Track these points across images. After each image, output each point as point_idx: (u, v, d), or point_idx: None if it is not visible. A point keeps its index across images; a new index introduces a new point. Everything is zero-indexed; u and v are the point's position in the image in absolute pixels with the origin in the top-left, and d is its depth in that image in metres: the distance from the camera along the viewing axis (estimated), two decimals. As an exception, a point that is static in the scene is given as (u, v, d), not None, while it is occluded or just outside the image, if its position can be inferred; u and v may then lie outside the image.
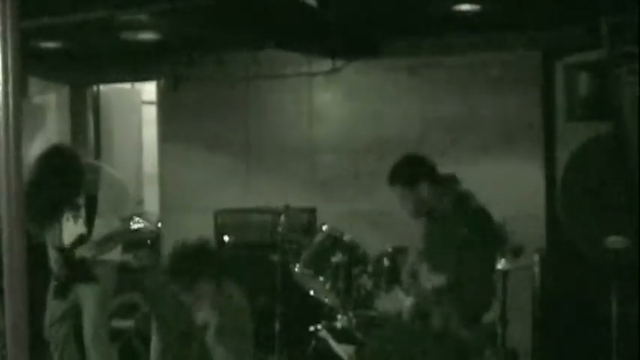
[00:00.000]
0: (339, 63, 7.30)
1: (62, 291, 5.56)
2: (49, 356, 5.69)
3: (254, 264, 6.30)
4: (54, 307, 5.60)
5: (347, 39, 6.94)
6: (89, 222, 5.43)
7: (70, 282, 5.54)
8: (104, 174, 5.55)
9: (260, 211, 6.62)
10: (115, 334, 5.98)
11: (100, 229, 5.44)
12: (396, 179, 4.66)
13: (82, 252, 5.46)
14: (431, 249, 4.68)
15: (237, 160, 7.71)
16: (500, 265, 5.43)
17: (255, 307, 6.33)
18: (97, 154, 8.66)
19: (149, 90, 8.81)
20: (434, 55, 7.05)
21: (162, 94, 8.32)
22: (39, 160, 5.26)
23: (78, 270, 5.49)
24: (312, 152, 7.55)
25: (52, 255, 5.58)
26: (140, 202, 8.86)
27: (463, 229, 4.41)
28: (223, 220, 7.00)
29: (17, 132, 3.29)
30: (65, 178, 5.29)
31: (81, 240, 5.46)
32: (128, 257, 6.82)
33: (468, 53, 6.91)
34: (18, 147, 3.28)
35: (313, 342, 5.43)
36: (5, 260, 3.32)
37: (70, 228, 5.51)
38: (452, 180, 4.69)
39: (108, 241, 5.48)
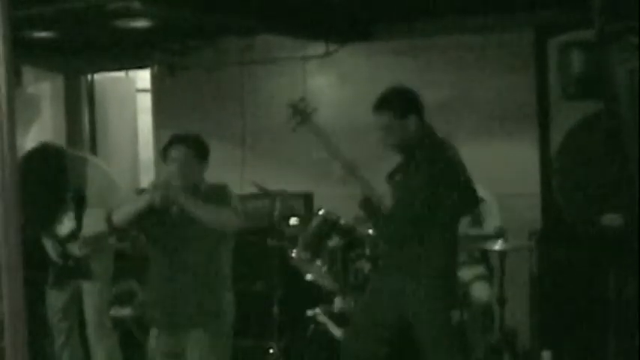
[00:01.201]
0: (332, 46, 7.28)
1: (60, 282, 5.56)
2: (53, 346, 5.71)
3: (251, 249, 6.30)
4: (53, 298, 5.60)
5: (340, 22, 6.93)
6: (78, 216, 5.43)
7: (67, 277, 5.54)
8: (91, 166, 5.56)
9: (256, 196, 6.61)
10: (115, 323, 5.99)
11: (92, 221, 5.43)
12: (385, 106, 4.38)
13: (74, 249, 5.46)
14: (401, 188, 4.44)
15: (233, 145, 7.71)
16: (498, 245, 5.46)
17: (253, 292, 6.36)
18: (93, 142, 8.65)
19: (143, 78, 8.79)
20: (427, 37, 7.04)
21: (156, 81, 8.31)
22: (22, 161, 5.27)
23: (75, 266, 5.49)
24: (307, 136, 7.52)
25: (48, 245, 5.57)
26: (137, 190, 8.86)
27: (433, 173, 4.23)
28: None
29: (11, 122, 3.28)
30: (49, 178, 5.34)
31: (73, 235, 5.46)
32: (124, 245, 6.83)
33: (461, 34, 6.90)
34: (12, 137, 3.28)
35: (312, 326, 5.45)
36: (2, 253, 3.32)
37: (64, 222, 5.52)
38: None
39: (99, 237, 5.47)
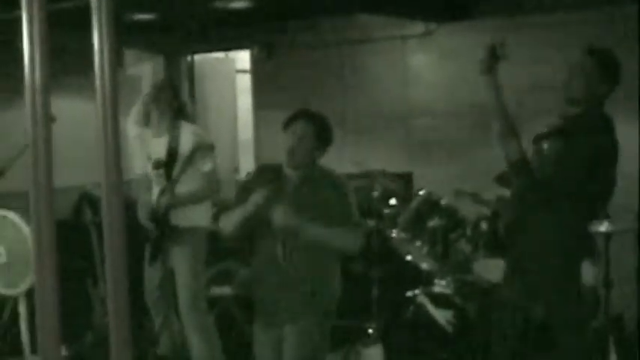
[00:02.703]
0: (432, 25, 7.19)
1: (155, 257, 5.61)
2: (151, 323, 5.79)
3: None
4: (150, 275, 5.67)
5: (439, 1, 6.83)
6: (168, 176, 5.47)
7: (161, 243, 5.56)
8: (186, 130, 5.59)
9: (356, 176, 6.59)
10: (214, 302, 6.03)
11: (185, 186, 5.49)
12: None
13: (162, 200, 5.47)
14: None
15: (333, 125, 7.68)
16: (603, 227, 5.30)
17: (352, 273, 6.34)
18: (192, 123, 8.73)
19: (243, 58, 8.85)
20: (527, 15, 6.89)
21: (256, 62, 8.34)
22: None
23: (167, 230, 5.53)
24: (407, 116, 7.48)
25: (141, 215, 5.60)
26: (236, 170, 8.94)
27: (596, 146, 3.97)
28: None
29: (114, 103, 3.34)
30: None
31: (162, 193, 5.50)
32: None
33: (561, 11, 6.73)
34: (115, 117, 3.34)
35: (411, 307, 5.41)
36: (105, 228, 3.38)
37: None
38: None
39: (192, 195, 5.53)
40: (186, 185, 5.49)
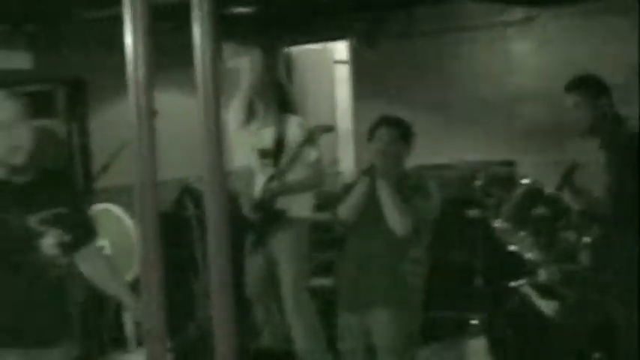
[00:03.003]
0: (533, 11, 7.04)
1: (257, 246, 5.62)
2: (252, 315, 5.81)
3: (452, 220, 6.21)
4: (252, 266, 5.69)
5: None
6: (275, 166, 5.50)
7: (263, 232, 5.58)
8: (292, 122, 5.60)
9: (457, 166, 6.51)
10: (315, 293, 6.04)
11: (291, 176, 5.51)
12: (578, 85, 4.50)
13: (271, 187, 5.51)
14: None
15: (433, 114, 7.61)
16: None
17: (454, 264, 6.27)
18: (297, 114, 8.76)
19: (341, 49, 8.82)
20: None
21: (354, 52, 8.31)
22: None
23: (271, 219, 5.54)
24: (509, 104, 7.35)
25: (245, 204, 5.64)
26: (335, 161, 8.93)
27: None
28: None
29: (215, 96, 3.36)
30: None
31: (270, 180, 5.52)
32: (322, 215, 6.89)
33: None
34: (217, 111, 3.35)
35: (515, 298, 5.32)
36: (208, 220, 3.39)
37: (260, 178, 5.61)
38: None
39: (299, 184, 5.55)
40: (292, 175, 5.51)
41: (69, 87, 6.78)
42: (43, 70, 6.95)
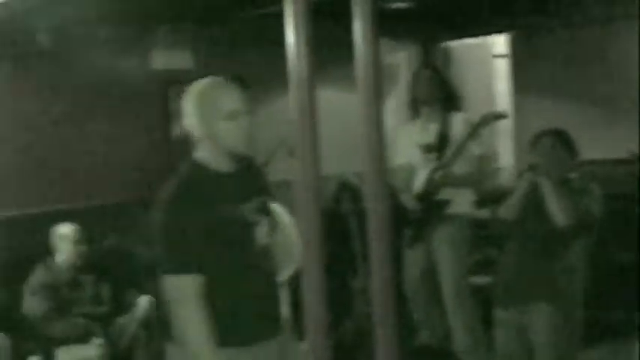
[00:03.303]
0: None
1: (417, 239, 5.58)
2: (409, 314, 5.77)
3: (619, 216, 5.99)
4: (410, 263, 5.65)
5: None
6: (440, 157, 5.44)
7: (424, 226, 5.53)
8: (457, 118, 5.54)
9: (625, 161, 6.27)
10: (474, 291, 5.94)
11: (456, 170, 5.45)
12: None
13: (436, 178, 5.46)
14: None
15: (597, 107, 7.36)
16: None
17: (622, 261, 6.04)
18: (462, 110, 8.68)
19: (499, 43, 8.68)
20: None
21: (514, 46, 8.15)
22: None
23: (433, 207, 5.49)
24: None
25: (405, 198, 5.60)
26: (494, 156, 8.79)
27: None
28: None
29: (376, 92, 3.35)
30: None
31: (435, 172, 5.48)
32: (483, 212, 6.78)
33: None
34: (377, 106, 3.34)
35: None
36: (370, 215, 3.37)
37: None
38: None
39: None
40: (456, 169, 5.45)
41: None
42: (203, 69, 7.11)
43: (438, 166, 5.45)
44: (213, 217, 3.02)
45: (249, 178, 3.25)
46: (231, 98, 3.12)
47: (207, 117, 3.09)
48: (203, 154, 3.15)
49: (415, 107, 5.66)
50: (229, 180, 3.15)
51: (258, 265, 3.17)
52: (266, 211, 3.22)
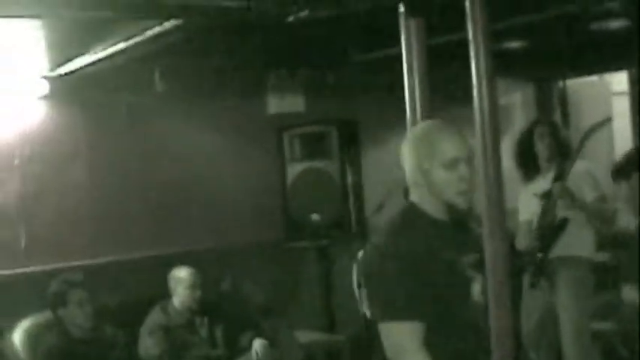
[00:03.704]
0: None
1: (536, 282, 5.44)
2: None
3: None
4: (529, 307, 5.51)
5: None
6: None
7: (543, 267, 5.39)
8: (576, 167, 5.42)
9: None
10: (595, 337, 5.75)
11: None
12: None
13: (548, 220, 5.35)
14: None
15: None
16: None
17: None
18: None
19: (620, 81, 8.47)
20: None
21: (634, 83, 7.94)
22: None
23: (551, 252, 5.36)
24: None
25: (522, 240, 5.50)
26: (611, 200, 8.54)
27: None
28: None
29: (495, 133, 3.29)
30: None
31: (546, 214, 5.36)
32: (604, 256, 6.59)
33: None
34: (496, 148, 3.28)
35: None
36: (488, 258, 3.30)
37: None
38: None
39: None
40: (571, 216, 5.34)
41: (342, 128, 6.93)
42: (316, 112, 7.16)
43: (556, 175, 5.31)
44: (433, 265, 2.83)
45: (465, 231, 3.06)
46: (451, 145, 2.87)
47: (425, 163, 2.88)
48: (420, 200, 2.94)
49: (534, 164, 5.58)
50: (447, 229, 2.95)
51: (473, 323, 2.98)
52: (480, 268, 3.04)
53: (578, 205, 5.30)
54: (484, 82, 3.11)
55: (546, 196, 5.35)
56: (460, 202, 2.88)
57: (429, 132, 2.93)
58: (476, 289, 2.94)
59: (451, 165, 2.83)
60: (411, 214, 2.94)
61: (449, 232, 2.93)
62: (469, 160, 2.87)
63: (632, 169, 4.50)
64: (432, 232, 2.89)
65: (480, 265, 3.00)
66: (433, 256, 2.83)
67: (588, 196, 5.36)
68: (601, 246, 5.85)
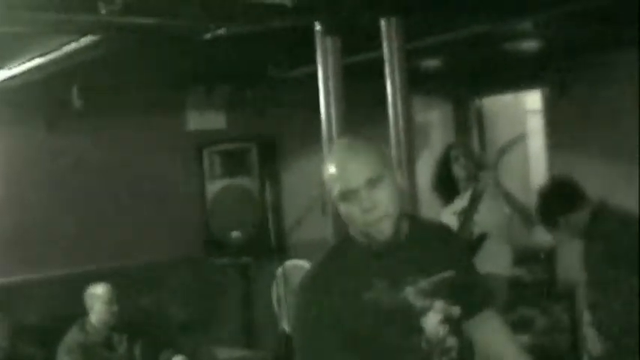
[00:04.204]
0: None
1: None
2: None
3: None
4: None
5: None
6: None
7: None
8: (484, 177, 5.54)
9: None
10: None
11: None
12: None
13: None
14: None
15: (633, 166, 7.26)
16: None
17: None
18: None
19: (533, 99, 8.65)
20: None
21: (547, 102, 8.12)
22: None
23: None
24: None
25: None
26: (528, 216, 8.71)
27: None
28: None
29: (410, 150, 3.35)
30: None
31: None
32: (520, 271, 6.72)
33: None
34: (411, 165, 3.35)
35: None
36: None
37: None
38: None
39: None
40: (489, 221, 5.44)
41: (261, 145, 6.96)
42: (236, 130, 7.18)
43: (462, 224, 5.41)
44: (357, 305, 2.41)
45: (423, 251, 2.56)
46: (348, 174, 2.43)
47: (331, 193, 2.48)
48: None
49: (452, 186, 5.68)
50: (388, 256, 2.48)
51: None
52: (442, 292, 2.50)
53: (510, 198, 5.43)
54: (399, 100, 3.16)
55: (463, 213, 5.44)
56: (374, 233, 2.43)
57: (331, 159, 2.49)
58: (431, 320, 2.46)
59: (348, 198, 2.41)
60: (343, 245, 2.56)
61: (389, 259, 2.46)
62: (376, 182, 2.40)
63: (558, 212, 4.56)
64: (360, 266, 2.47)
65: (436, 290, 2.47)
66: (356, 295, 2.41)
67: (506, 209, 5.47)
68: (518, 261, 5.97)
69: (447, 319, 2.48)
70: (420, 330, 2.44)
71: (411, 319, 2.44)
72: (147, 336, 5.90)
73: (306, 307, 2.48)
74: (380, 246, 2.45)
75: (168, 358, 5.80)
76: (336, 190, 2.42)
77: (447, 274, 2.50)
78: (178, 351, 5.84)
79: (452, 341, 2.50)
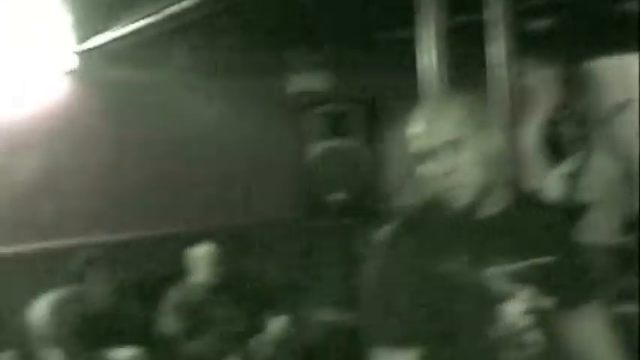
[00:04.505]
0: None
1: None
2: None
3: None
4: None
5: None
6: None
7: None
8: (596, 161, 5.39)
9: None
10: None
11: None
12: None
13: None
14: None
15: None
16: None
17: None
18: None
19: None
20: None
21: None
22: None
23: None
24: None
25: None
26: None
27: None
28: None
29: (512, 115, 3.26)
30: None
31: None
32: (626, 239, 6.54)
33: None
34: (514, 129, 3.25)
35: None
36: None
37: None
38: None
39: None
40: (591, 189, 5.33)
41: (364, 106, 6.91)
42: (340, 91, 7.14)
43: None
44: (433, 281, 2.21)
45: (520, 226, 2.29)
46: (433, 128, 2.26)
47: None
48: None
49: (559, 147, 5.55)
50: (479, 228, 2.27)
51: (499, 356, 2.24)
52: (534, 277, 2.24)
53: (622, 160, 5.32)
54: (502, 63, 3.07)
55: (571, 175, 5.32)
56: (451, 200, 2.23)
57: (415, 116, 2.32)
58: (512, 309, 2.21)
59: (426, 157, 2.24)
60: (427, 210, 2.35)
61: (474, 232, 2.25)
62: (458, 144, 2.20)
63: None
64: (440, 235, 2.27)
65: (527, 275, 2.22)
66: (431, 264, 2.21)
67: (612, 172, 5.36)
68: (628, 228, 5.81)
69: (534, 311, 2.24)
70: (494, 318, 2.21)
71: (486, 303, 2.21)
72: (248, 296, 5.96)
73: (379, 263, 2.36)
74: (461, 215, 2.23)
75: (269, 318, 5.85)
76: (414, 148, 2.26)
77: (544, 259, 2.25)
78: (279, 312, 5.89)
79: (533, 336, 2.25)
